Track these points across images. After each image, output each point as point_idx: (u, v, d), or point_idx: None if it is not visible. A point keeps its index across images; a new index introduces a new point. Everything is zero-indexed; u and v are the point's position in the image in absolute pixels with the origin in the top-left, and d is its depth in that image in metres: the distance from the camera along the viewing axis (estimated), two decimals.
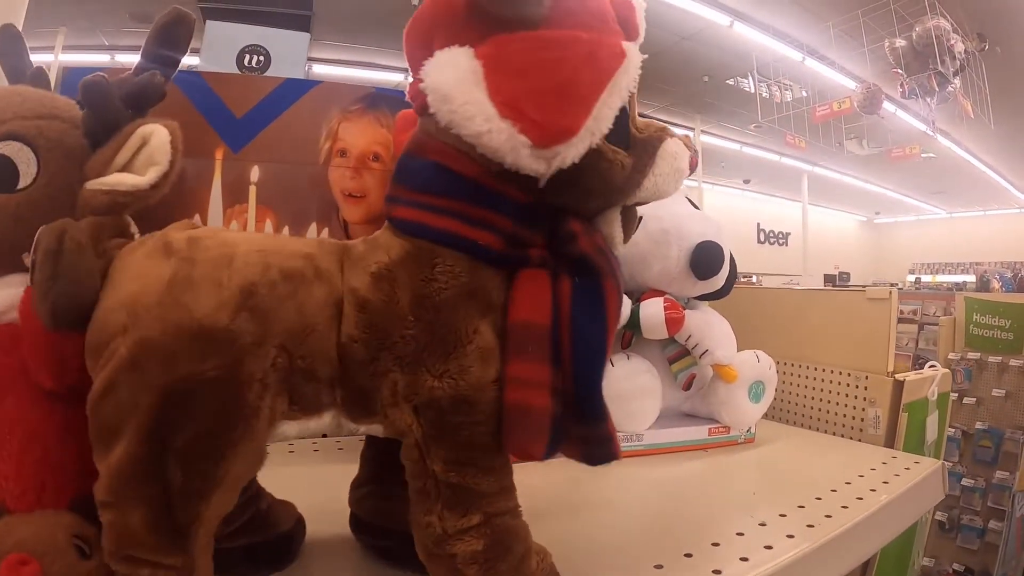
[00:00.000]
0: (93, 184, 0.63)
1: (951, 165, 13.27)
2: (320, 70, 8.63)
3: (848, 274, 9.89)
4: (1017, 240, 17.82)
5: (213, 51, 1.50)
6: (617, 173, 0.54)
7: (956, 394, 3.26)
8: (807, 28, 7.85)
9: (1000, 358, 3.13)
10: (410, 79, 0.60)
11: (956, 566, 3.21)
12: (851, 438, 1.38)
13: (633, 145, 0.56)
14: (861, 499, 0.93)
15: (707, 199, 13.67)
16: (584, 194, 0.55)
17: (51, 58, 6.69)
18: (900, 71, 7.28)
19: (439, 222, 0.53)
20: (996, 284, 3.63)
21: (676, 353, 1.19)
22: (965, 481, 3.22)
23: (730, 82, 9.59)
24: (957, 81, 7.38)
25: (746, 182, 16.62)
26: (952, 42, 6.89)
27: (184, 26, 0.72)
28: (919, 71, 7.16)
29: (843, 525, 0.83)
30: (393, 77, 8.72)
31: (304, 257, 0.54)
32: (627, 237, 0.61)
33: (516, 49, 0.51)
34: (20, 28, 1.42)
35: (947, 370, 1.52)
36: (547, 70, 0.50)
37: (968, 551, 3.19)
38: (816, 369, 1.48)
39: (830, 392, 1.45)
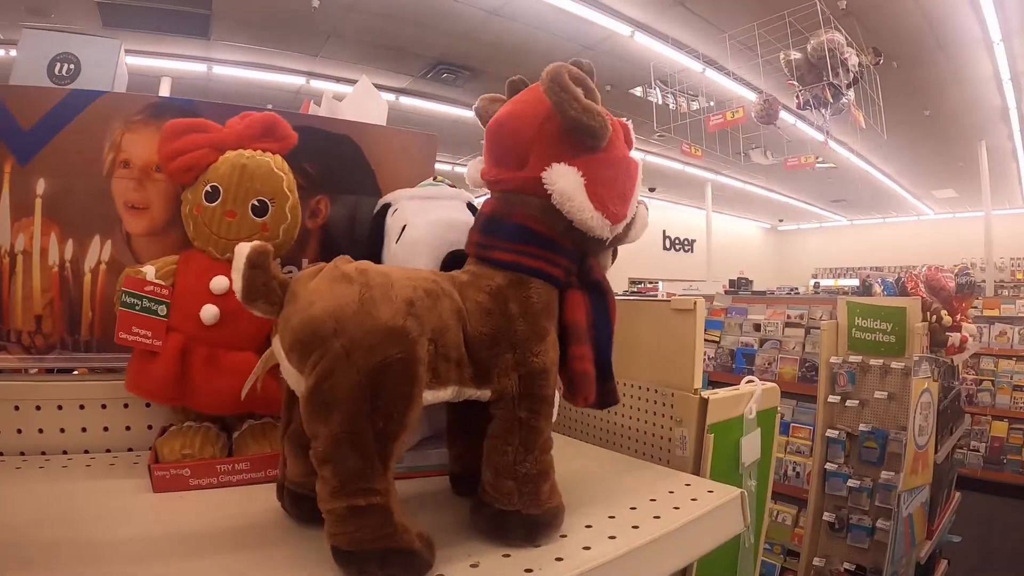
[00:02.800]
0: None
1: (851, 175, 13.72)
2: (220, 71, 8.43)
3: (750, 280, 10.02)
4: (915, 245, 18.57)
5: (26, 60, 1.44)
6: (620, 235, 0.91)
7: (839, 397, 3.34)
8: (705, 39, 8.01)
9: (882, 361, 3.20)
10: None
11: (847, 565, 3.26)
12: (659, 460, 1.27)
13: None
14: (637, 528, 0.88)
15: None
16: (595, 246, 0.89)
17: None
18: (795, 83, 7.45)
19: (531, 262, 0.84)
20: (878, 288, 3.70)
21: None
22: (851, 482, 3.28)
23: (636, 92, 9.71)
24: (851, 93, 7.59)
25: (651, 190, 16.87)
26: (846, 55, 7.08)
27: None
28: (813, 83, 7.34)
29: (605, 556, 0.79)
30: (294, 80, 8.57)
31: (432, 282, 0.80)
32: (611, 263, 0.97)
33: (598, 167, 0.83)
34: None
35: (772, 384, 1.43)
36: (616, 183, 0.85)
37: (859, 550, 3.24)
38: (623, 384, 1.34)
39: (637, 410, 1.35)
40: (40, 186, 1.16)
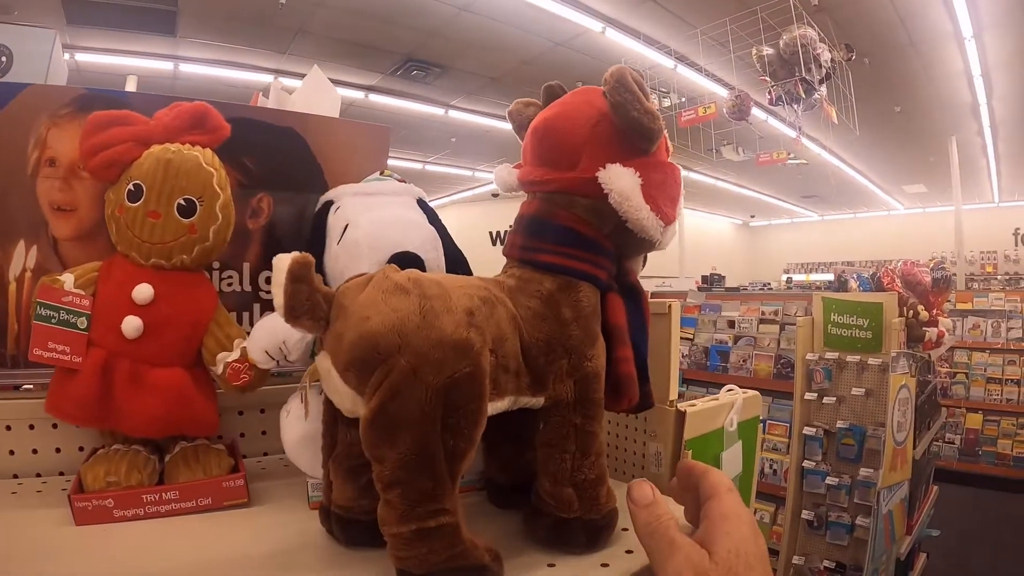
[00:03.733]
0: None
1: (822, 171, 13.79)
2: (187, 69, 8.27)
3: (723, 276, 10.04)
4: (885, 240, 18.74)
5: None
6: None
7: (816, 394, 3.31)
8: (677, 35, 7.97)
9: (859, 357, 3.17)
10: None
11: (827, 563, 3.25)
12: (631, 476, 1.18)
13: None
14: (631, 552, 0.82)
15: None
16: (637, 249, 0.88)
17: None
18: (767, 78, 7.44)
19: (579, 265, 0.82)
20: (854, 284, 3.67)
21: None
22: (830, 479, 3.26)
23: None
24: (823, 89, 7.59)
25: None
26: (818, 51, 7.08)
27: None
28: (785, 78, 7.33)
29: None
30: (263, 78, 8.44)
31: (485, 289, 0.78)
32: (642, 268, 0.95)
33: (652, 170, 0.82)
34: None
35: (754, 392, 1.35)
36: (667, 186, 0.84)
37: (838, 547, 3.23)
38: None
39: (608, 424, 1.24)
40: None
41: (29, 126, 1.07)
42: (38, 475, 1.07)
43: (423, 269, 0.98)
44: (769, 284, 11.30)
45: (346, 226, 1.03)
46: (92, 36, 7.08)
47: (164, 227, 0.96)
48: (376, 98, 9.55)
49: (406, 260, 0.97)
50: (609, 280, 0.86)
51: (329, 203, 1.10)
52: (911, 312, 3.27)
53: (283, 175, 1.23)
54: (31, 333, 0.92)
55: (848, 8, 7.27)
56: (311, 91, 1.44)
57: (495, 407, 0.75)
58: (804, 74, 7.04)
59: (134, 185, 0.95)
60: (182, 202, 0.96)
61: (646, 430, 1.18)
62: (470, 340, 0.70)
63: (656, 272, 15.22)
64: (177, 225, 0.97)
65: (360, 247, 0.98)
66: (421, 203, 1.12)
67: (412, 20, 7.31)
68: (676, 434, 1.15)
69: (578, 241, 0.83)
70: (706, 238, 19.75)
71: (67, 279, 0.95)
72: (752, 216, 22.86)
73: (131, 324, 0.93)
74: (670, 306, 1.18)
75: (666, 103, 9.34)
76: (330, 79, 1.48)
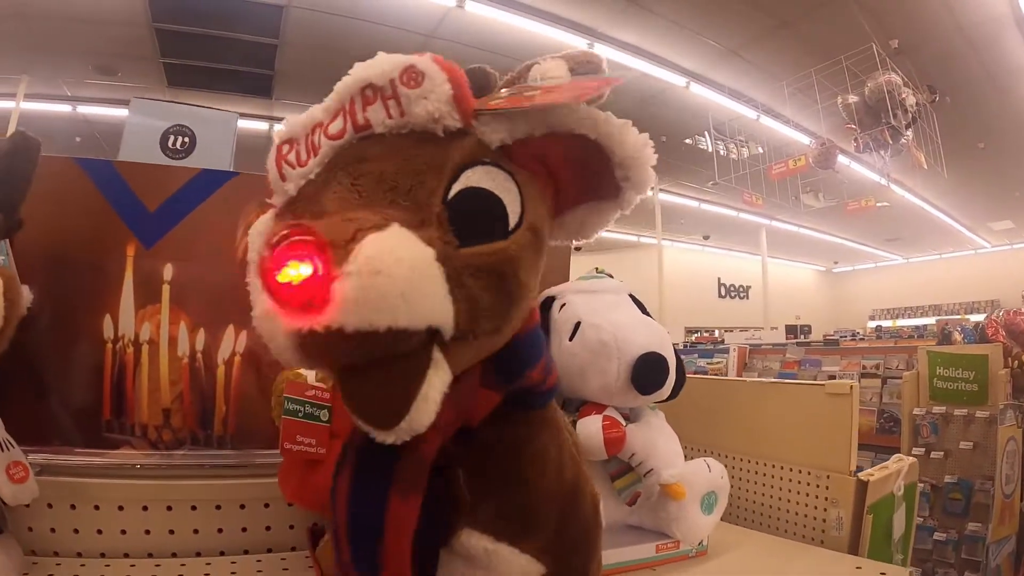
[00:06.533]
0: None
1: (906, 213, 13.54)
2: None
3: (809, 326, 9.91)
4: (973, 280, 18.15)
5: (136, 131, 1.40)
6: None
7: (923, 448, 3.27)
8: (762, 87, 8.03)
9: (966, 410, 3.13)
10: None
11: None
12: (811, 540, 1.26)
13: None
14: None
15: (668, 256, 13.73)
16: None
17: (12, 105, 6.59)
18: (854, 126, 7.43)
19: None
20: (958, 336, 3.66)
21: (619, 469, 1.09)
22: (937, 535, 3.19)
23: (688, 141, 9.74)
24: (909, 133, 7.54)
25: (706, 238, 16.79)
26: (903, 96, 7.06)
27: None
28: (872, 126, 7.31)
29: None
30: None
31: None
32: None
33: None
34: None
35: (913, 459, 1.44)
36: None
37: None
38: (773, 466, 1.37)
39: (788, 491, 1.33)
40: (168, 271, 1.10)
41: (236, 213, 1.10)
42: (221, 553, 1.07)
43: (668, 369, 1.04)
44: (857, 332, 11.09)
45: (577, 323, 1.07)
46: (191, 97, 7.37)
47: None
48: None
49: (657, 363, 1.02)
50: None
51: (551, 299, 1.13)
52: (1016, 363, 3.23)
53: None
54: (281, 428, 0.92)
55: (925, 48, 7.23)
56: None
57: None
58: (891, 120, 7.02)
59: None
60: None
61: (827, 497, 1.26)
62: None
63: (740, 322, 15.10)
64: None
65: (609, 348, 1.02)
66: (632, 297, 1.17)
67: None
68: (857, 500, 1.23)
69: None
70: (788, 287, 19.42)
71: (308, 373, 0.94)
72: (835, 262, 22.44)
73: None
74: (851, 387, 1.28)
75: (744, 153, 9.37)
76: None
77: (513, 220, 0.56)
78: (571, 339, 1.07)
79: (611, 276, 1.20)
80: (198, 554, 1.04)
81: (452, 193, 0.55)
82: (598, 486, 0.92)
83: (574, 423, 1.03)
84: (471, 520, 0.63)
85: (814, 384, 1.36)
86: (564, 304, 1.11)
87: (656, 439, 1.10)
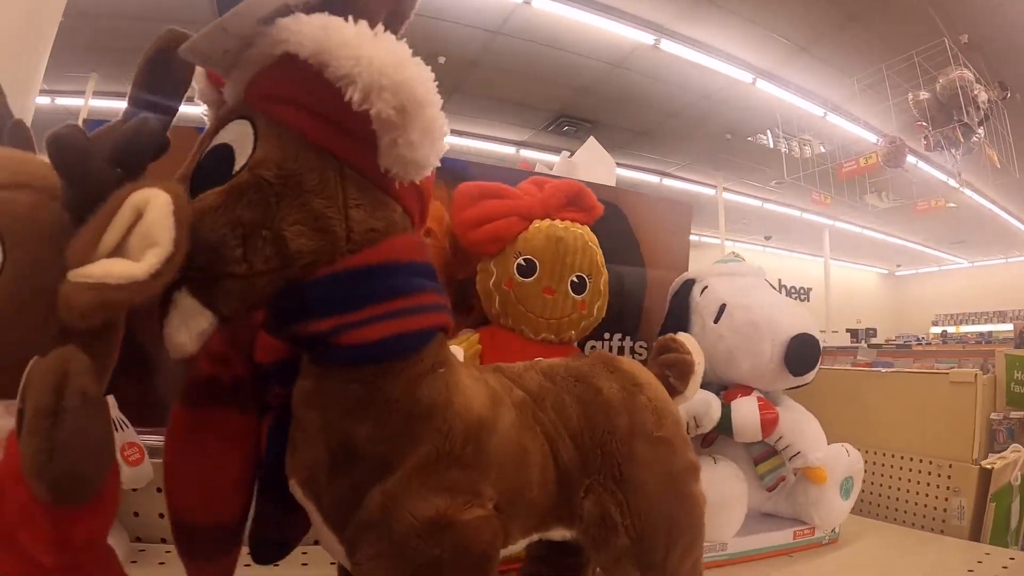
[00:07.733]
0: (75, 276, 0.44)
1: (972, 214, 13.21)
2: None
3: (875, 329, 9.74)
4: None
5: None
6: None
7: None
8: (830, 84, 7.87)
9: None
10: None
11: None
12: (931, 529, 1.29)
13: None
14: None
15: None
16: None
17: (81, 103, 6.67)
18: (924, 124, 7.27)
19: None
20: None
21: (763, 453, 1.12)
22: None
23: (751, 139, 9.62)
24: (982, 131, 7.36)
25: (767, 238, 16.59)
26: (976, 92, 6.89)
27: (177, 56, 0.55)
28: (944, 123, 7.14)
29: None
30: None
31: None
32: None
33: None
34: (43, 71, 1.35)
35: None
36: None
37: None
38: (894, 456, 1.40)
39: (909, 481, 1.36)
40: None
41: None
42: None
43: (820, 350, 1.05)
44: (921, 337, 10.82)
45: (722, 306, 1.08)
46: None
47: (556, 303, 1.00)
48: (526, 153, 9.74)
49: (810, 343, 1.03)
50: None
51: (690, 282, 1.15)
52: None
53: (608, 249, 1.16)
54: None
55: (995, 43, 7.00)
56: (591, 160, 1.52)
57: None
58: (964, 117, 6.86)
59: (525, 260, 0.98)
60: (575, 279, 1.00)
61: (949, 487, 1.28)
62: None
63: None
64: (571, 301, 1.01)
65: (762, 330, 1.03)
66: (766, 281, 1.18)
67: (565, 79, 7.49)
68: (980, 489, 1.25)
69: None
70: (849, 290, 19.12)
71: (457, 351, 0.89)
72: (898, 265, 22.03)
73: None
74: (976, 376, 1.32)
75: (807, 152, 9.22)
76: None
77: (239, 164, 0.53)
78: (716, 321, 1.08)
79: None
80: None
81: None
82: (743, 472, 1.04)
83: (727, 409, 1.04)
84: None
85: (937, 372, 1.43)
86: (706, 287, 1.13)
87: (801, 420, 1.12)
